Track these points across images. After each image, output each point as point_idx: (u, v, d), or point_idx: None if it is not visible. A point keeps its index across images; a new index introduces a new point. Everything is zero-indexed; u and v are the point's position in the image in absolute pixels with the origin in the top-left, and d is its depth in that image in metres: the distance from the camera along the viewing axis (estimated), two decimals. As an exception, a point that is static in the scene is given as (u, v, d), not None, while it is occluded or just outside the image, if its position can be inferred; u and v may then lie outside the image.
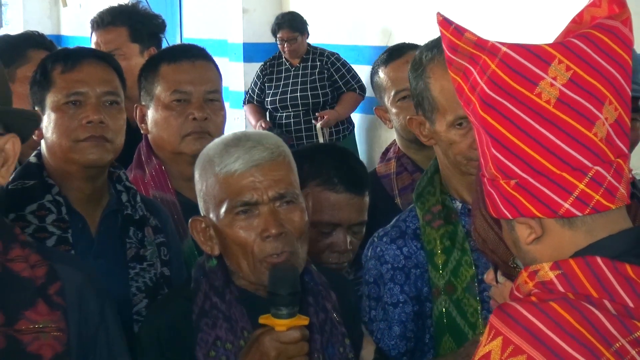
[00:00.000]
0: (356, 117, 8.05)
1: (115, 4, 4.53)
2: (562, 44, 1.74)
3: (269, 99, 7.75)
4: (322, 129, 7.53)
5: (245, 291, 2.34)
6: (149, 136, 3.17)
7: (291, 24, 7.65)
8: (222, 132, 3.06)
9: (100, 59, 2.88)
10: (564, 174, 1.72)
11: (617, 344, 1.66)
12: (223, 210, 2.29)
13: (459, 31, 1.77)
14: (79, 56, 2.85)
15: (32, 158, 2.86)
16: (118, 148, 2.83)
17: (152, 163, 3.18)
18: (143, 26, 4.32)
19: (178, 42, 10.05)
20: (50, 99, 2.79)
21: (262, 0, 8.84)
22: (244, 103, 8.01)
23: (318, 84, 7.66)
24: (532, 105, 1.71)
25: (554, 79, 1.71)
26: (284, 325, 2.21)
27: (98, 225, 2.83)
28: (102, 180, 2.85)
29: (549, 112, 1.71)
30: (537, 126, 1.72)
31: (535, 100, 1.71)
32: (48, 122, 2.79)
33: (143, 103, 3.15)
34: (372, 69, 3.59)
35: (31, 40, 3.85)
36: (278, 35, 7.69)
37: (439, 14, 1.80)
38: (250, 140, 2.31)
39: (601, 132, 1.72)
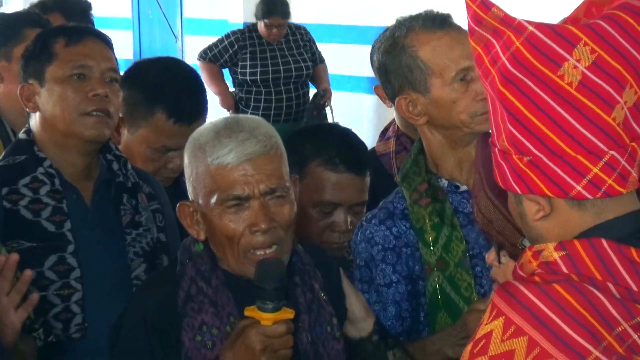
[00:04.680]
0: (362, 97, 8.04)
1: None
2: (588, 25, 1.73)
3: (248, 71, 7.52)
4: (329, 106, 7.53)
5: (232, 275, 2.35)
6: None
7: (283, 11, 7.47)
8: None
9: (100, 37, 2.90)
10: (579, 157, 1.72)
11: (620, 328, 1.65)
12: (213, 201, 2.29)
13: (486, 5, 1.77)
14: (81, 32, 2.88)
15: (22, 135, 2.86)
16: (115, 125, 2.87)
17: None
18: (72, 6, 4.43)
19: (178, 22, 10.04)
20: (52, 72, 2.79)
21: (263, -20, 8.79)
22: (200, 58, 7.61)
23: (304, 56, 7.58)
24: (554, 86, 1.71)
25: (578, 61, 1.71)
26: (270, 320, 2.21)
27: (92, 196, 2.85)
28: (95, 155, 2.87)
29: (570, 95, 1.71)
30: (556, 107, 1.71)
31: (557, 82, 1.71)
32: (49, 94, 2.78)
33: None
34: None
35: (27, 19, 3.84)
36: (266, 21, 7.45)
37: None
38: (243, 131, 2.29)
39: (619, 117, 1.72)
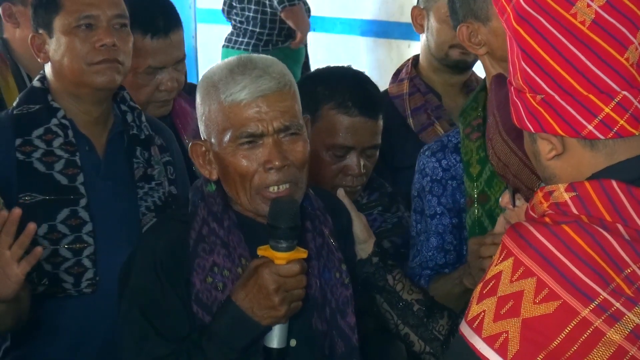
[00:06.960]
0: (366, 40, 7.96)
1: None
2: None
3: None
4: None
5: (244, 217, 2.33)
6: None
7: None
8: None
9: None
10: (591, 96, 1.71)
11: (628, 270, 1.65)
12: (227, 138, 2.27)
13: None
14: None
15: (36, 82, 2.86)
16: (127, 70, 2.85)
17: None
18: None
19: (192, 12, 9.86)
20: (59, 22, 2.78)
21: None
22: (288, 4, 6.81)
23: None
24: (567, 24, 1.72)
25: (592, 0, 1.70)
26: (284, 259, 2.19)
27: (105, 147, 2.85)
28: (109, 103, 2.86)
29: (582, 33, 1.71)
30: (569, 45, 1.72)
31: (570, 20, 1.71)
32: (57, 45, 2.79)
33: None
34: None
35: None
36: None
37: None
38: (256, 68, 2.27)
39: (633, 57, 1.72)
